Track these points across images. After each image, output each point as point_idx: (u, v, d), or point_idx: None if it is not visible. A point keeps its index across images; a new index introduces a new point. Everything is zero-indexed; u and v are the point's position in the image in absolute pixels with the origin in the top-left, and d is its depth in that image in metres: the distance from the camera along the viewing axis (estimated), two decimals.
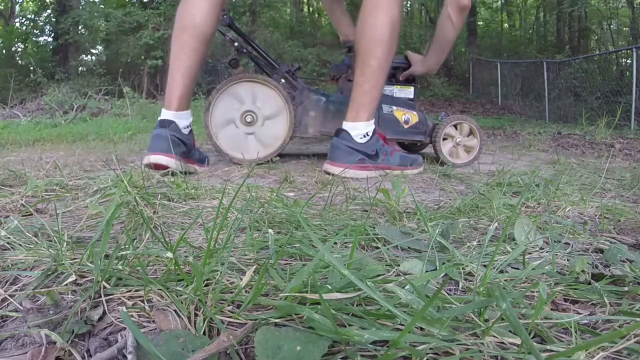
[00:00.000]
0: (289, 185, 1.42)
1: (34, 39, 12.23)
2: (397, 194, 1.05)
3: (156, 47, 9.29)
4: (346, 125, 1.67)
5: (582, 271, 0.62)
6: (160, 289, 0.51)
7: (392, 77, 2.39)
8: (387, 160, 1.69)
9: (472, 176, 1.76)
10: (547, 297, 0.52)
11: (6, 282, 0.56)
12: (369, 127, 1.67)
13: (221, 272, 0.54)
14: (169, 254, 0.52)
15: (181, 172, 1.50)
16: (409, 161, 1.75)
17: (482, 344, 0.43)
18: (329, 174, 1.66)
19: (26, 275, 0.57)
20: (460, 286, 0.60)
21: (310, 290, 0.47)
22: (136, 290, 0.52)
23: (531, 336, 0.45)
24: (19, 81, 8.71)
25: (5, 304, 0.50)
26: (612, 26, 14.13)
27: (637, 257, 0.72)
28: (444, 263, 0.65)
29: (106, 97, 6.78)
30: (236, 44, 2.18)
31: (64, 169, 1.54)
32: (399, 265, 0.63)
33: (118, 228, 0.84)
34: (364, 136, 1.65)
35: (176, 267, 0.52)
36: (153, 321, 0.46)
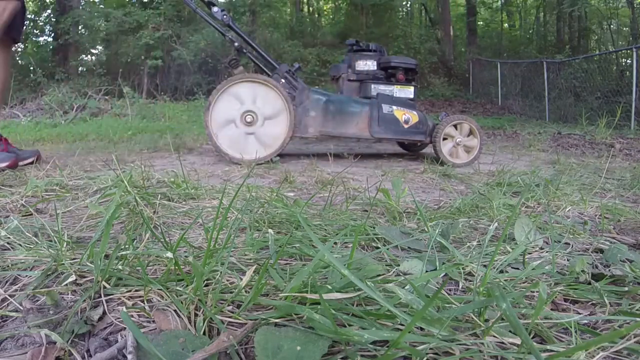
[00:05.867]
0: (289, 185, 1.42)
1: (34, 39, 12.22)
2: (397, 194, 1.05)
3: (156, 47, 9.28)
4: None
5: (582, 271, 0.62)
6: (160, 289, 0.51)
7: (392, 77, 2.39)
8: None
9: (472, 176, 1.76)
10: (547, 297, 0.52)
11: (6, 282, 0.56)
12: None
13: (221, 272, 0.54)
14: (169, 254, 0.52)
15: None
16: None
17: (482, 344, 0.43)
18: None
19: (26, 275, 0.57)
20: (460, 286, 0.60)
21: (310, 290, 0.47)
22: (136, 290, 0.52)
23: (531, 336, 0.45)
24: (19, 81, 8.70)
25: (5, 304, 0.50)
26: (612, 26, 14.12)
27: (637, 257, 0.72)
28: (444, 263, 0.65)
29: (106, 97, 6.78)
30: (236, 44, 2.19)
31: (64, 169, 1.54)
32: (399, 265, 0.63)
33: (118, 228, 0.84)
34: None
35: (176, 267, 0.52)
36: (153, 321, 0.46)
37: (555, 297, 0.55)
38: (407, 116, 2.28)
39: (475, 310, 0.47)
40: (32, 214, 0.90)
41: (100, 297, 0.50)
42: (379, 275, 0.59)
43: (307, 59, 10.68)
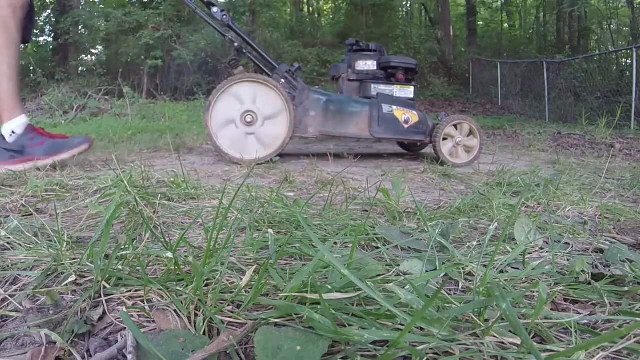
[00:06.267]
0: (289, 185, 1.42)
1: (34, 39, 12.23)
2: (397, 194, 1.05)
3: (156, 47, 9.29)
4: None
5: (582, 271, 0.62)
6: (160, 289, 0.51)
7: (392, 77, 2.39)
8: (33, 152, 1.70)
9: (472, 176, 1.76)
10: (547, 297, 0.52)
11: (6, 282, 0.56)
12: (12, 125, 1.72)
13: (221, 272, 0.54)
14: (169, 254, 0.52)
15: None
16: (57, 147, 1.73)
17: (482, 344, 0.43)
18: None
19: (26, 275, 0.57)
20: (460, 286, 0.60)
21: (310, 290, 0.47)
22: (136, 290, 0.52)
23: (531, 336, 0.45)
24: (19, 81, 8.70)
25: (5, 304, 0.50)
26: (612, 26, 14.13)
27: (637, 257, 0.72)
28: (444, 263, 0.65)
29: (106, 97, 6.78)
30: (236, 44, 2.19)
31: (64, 169, 1.54)
32: (399, 265, 0.63)
33: (118, 228, 0.84)
34: (11, 135, 1.72)
35: (176, 267, 0.52)
36: (153, 321, 0.46)
37: (555, 297, 0.55)
38: (407, 116, 2.28)
39: (475, 310, 0.47)
40: (32, 214, 0.90)
41: (100, 297, 0.50)
42: (379, 275, 0.59)
43: (307, 59, 10.68)
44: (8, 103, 1.73)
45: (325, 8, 17.35)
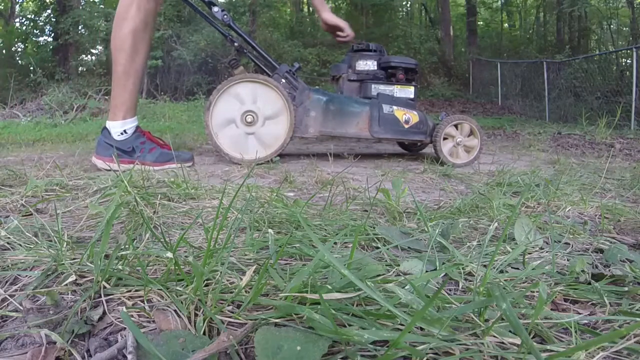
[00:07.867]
0: (289, 185, 1.42)
1: (34, 39, 12.23)
2: (397, 194, 1.05)
3: (156, 47, 9.28)
4: (107, 124, 1.81)
5: (582, 271, 0.62)
6: (160, 289, 0.51)
7: (392, 77, 2.39)
8: (142, 157, 1.79)
9: (472, 176, 1.76)
10: (547, 297, 0.52)
11: (6, 282, 0.56)
12: (125, 125, 1.80)
13: (221, 272, 0.54)
14: (169, 254, 0.52)
15: None
16: (167, 158, 1.81)
17: (482, 344, 0.43)
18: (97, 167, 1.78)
19: (26, 275, 0.57)
20: (460, 286, 0.60)
21: (310, 290, 0.47)
22: (136, 290, 0.52)
23: (531, 336, 0.45)
24: (19, 81, 8.69)
25: (5, 304, 0.50)
26: (612, 26, 14.13)
27: (637, 257, 0.72)
28: (444, 263, 0.65)
29: (106, 97, 6.77)
30: (236, 44, 2.19)
31: (64, 169, 1.54)
32: (399, 265, 0.63)
33: (118, 228, 0.84)
34: (122, 134, 1.79)
35: (176, 267, 0.52)
36: (153, 321, 0.46)
37: (555, 297, 0.55)
38: (408, 116, 2.28)
39: (475, 310, 0.47)
40: (32, 214, 0.90)
41: (100, 297, 0.50)
42: (379, 275, 0.59)
43: (307, 59, 10.68)
44: (130, 102, 1.81)
45: None
